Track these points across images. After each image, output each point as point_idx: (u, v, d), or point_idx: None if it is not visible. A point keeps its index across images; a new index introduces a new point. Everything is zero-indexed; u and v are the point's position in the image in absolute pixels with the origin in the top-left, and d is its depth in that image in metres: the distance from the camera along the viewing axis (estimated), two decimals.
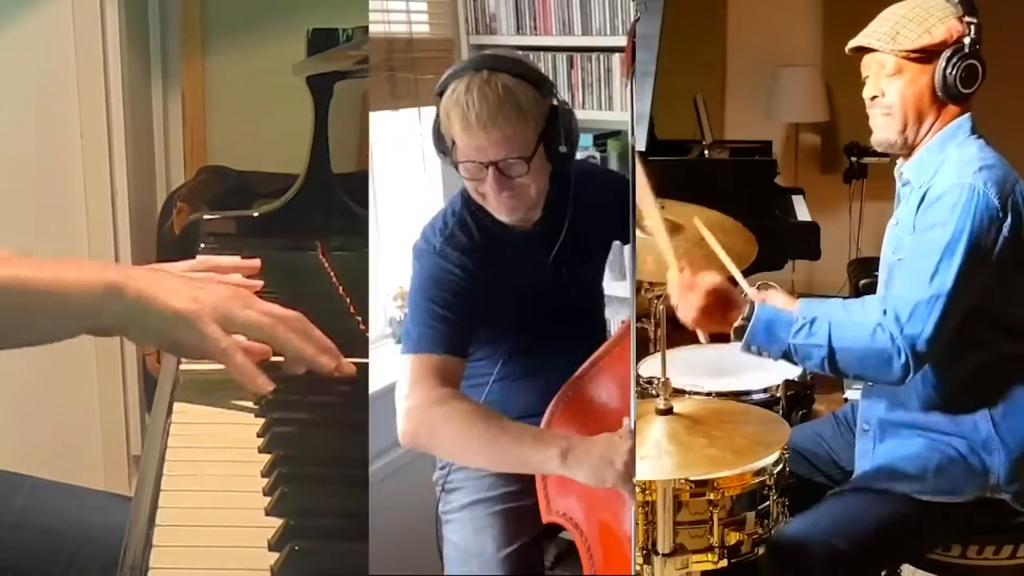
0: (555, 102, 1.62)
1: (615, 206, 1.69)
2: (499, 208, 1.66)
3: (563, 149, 1.63)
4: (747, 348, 1.70)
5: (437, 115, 1.63)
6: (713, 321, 1.73)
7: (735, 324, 1.70)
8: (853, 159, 4.40)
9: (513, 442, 1.47)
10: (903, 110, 1.75)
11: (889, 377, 1.66)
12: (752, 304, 1.70)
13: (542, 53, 3.22)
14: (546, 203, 1.73)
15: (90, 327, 1.32)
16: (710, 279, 1.70)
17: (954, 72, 1.70)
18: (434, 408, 1.55)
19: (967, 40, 1.70)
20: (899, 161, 1.82)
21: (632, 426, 1.43)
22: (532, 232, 1.75)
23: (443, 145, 1.64)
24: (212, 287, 1.36)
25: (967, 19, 1.70)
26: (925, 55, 1.72)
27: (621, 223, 1.63)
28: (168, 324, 1.28)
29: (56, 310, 1.28)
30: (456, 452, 1.58)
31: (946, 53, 1.71)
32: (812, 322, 1.67)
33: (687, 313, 1.71)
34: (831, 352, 1.65)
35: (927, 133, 1.76)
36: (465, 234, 1.70)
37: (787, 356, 1.69)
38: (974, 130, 1.75)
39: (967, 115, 1.76)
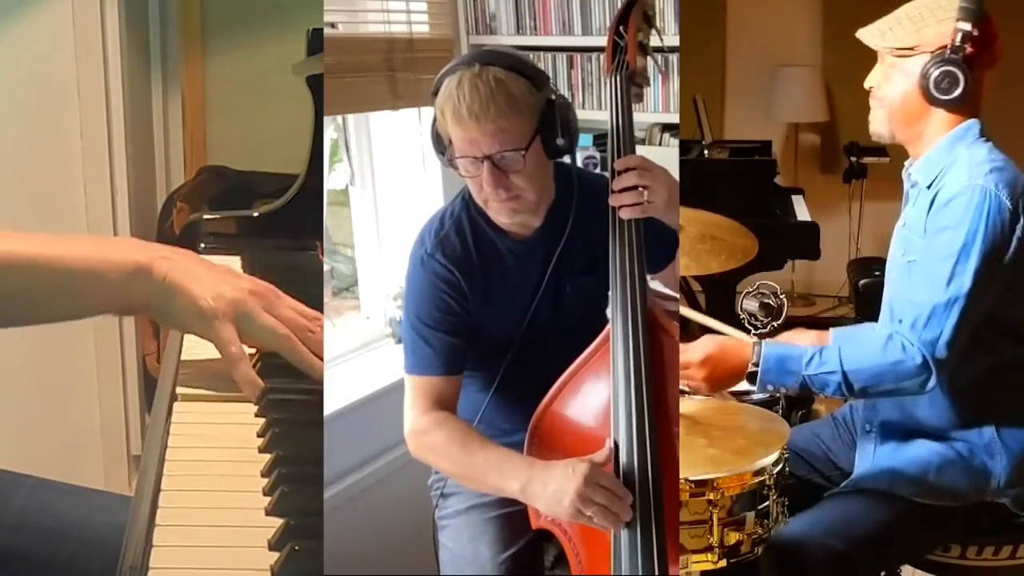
0: (552, 96, 1.58)
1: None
2: (499, 211, 1.62)
3: (560, 142, 1.57)
4: (763, 388, 1.70)
5: (434, 115, 1.60)
6: (725, 381, 1.73)
7: (747, 371, 1.69)
8: (853, 159, 4.40)
9: (480, 473, 1.57)
10: (890, 105, 1.75)
11: (910, 387, 1.65)
12: (759, 346, 1.69)
13: (542, 53, 3.23)
14: (548, 210, 1.69)
15: (116, 307, 1.35)
16: (694, 354, 1.70)
17: (929, 76, 1.69)
18: (422, 437, 1.65)
19: (950, 46, 1.67)
20: (907, 162, 1.81)
21: (610, 447, 1.45)
22: (532, 240, 1.70)
23: (440, 145, 1.61)
24: (240, 282, 1.38)
25: (959, 25, 1.67)
26: (914, 54, 1.71)
27: None
28: (186, 316, 1.32)
29: (83, 289, 1.30)
30: (446, 473, 1.75)
31: (926, 56, 1.69)
32: (822, 351, 1.66)
33: (698, 389, 1.73)
34: (845, 376, 1.64)
35: (921, 134, 1.75)
36: (459, 238, 1.68)
37: (804, 388, 1.68)
38: (983, 133, 1.73)
39: (975, 119, 1.74)
